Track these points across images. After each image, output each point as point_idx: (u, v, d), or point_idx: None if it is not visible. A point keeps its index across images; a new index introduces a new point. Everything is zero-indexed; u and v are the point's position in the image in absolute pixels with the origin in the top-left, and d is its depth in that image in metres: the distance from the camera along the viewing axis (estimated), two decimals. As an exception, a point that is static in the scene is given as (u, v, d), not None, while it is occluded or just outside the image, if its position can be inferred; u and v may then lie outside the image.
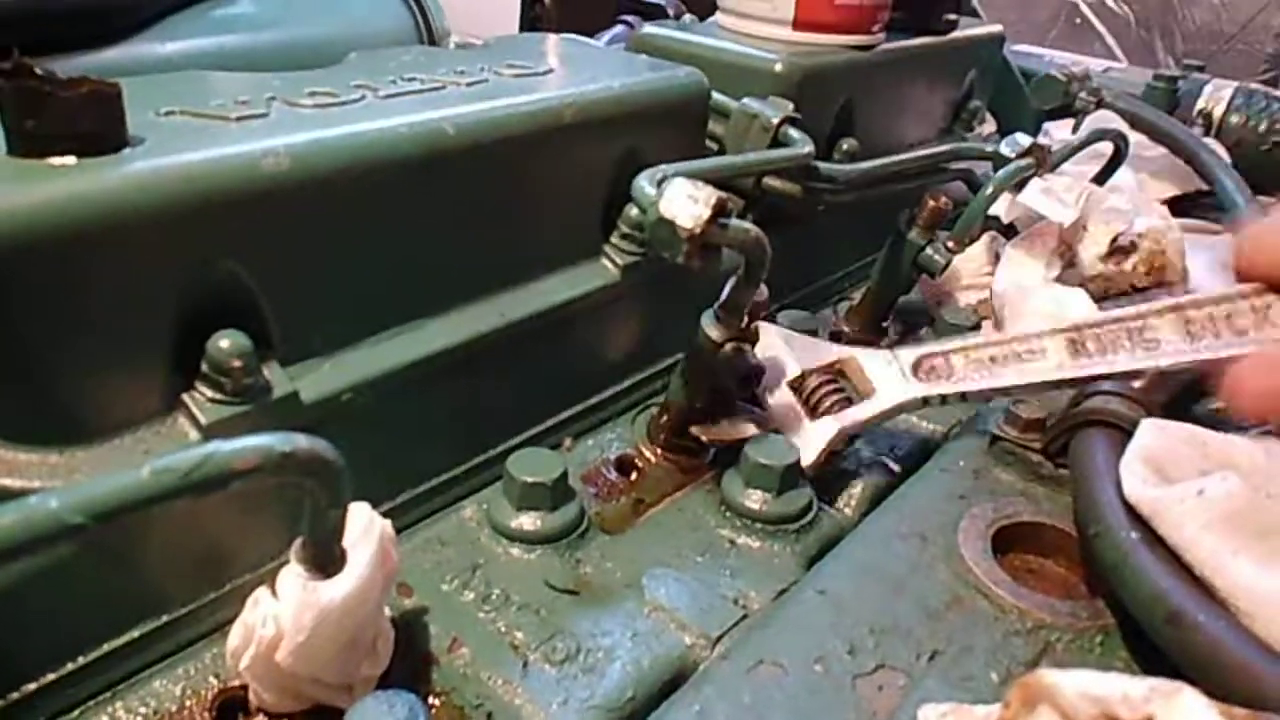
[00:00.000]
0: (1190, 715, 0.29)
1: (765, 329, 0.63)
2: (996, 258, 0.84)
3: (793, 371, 0.63)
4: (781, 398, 0.62)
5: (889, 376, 0.61)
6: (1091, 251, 0.79)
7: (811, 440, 0.60)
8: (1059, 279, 0.78)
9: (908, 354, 0.61)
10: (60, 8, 0.74)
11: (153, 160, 0.41)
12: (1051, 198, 0.79)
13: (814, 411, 0.61)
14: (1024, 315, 0.70)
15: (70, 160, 0.40)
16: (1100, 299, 0.80)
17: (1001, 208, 0.82)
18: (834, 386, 0.62)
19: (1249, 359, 0.48)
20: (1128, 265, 0.80)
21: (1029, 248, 0.81)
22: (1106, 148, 0.99)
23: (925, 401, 0.60)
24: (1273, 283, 0.49)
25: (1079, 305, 0.69)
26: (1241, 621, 0.41)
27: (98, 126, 0.40)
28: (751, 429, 0.61)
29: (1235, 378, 0.46)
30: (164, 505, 0.28)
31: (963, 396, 0.59)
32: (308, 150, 0.46)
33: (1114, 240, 0.80)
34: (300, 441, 0.32)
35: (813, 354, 0.64)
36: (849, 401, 0.61)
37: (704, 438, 0.62)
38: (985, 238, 0.82)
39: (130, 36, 0.80)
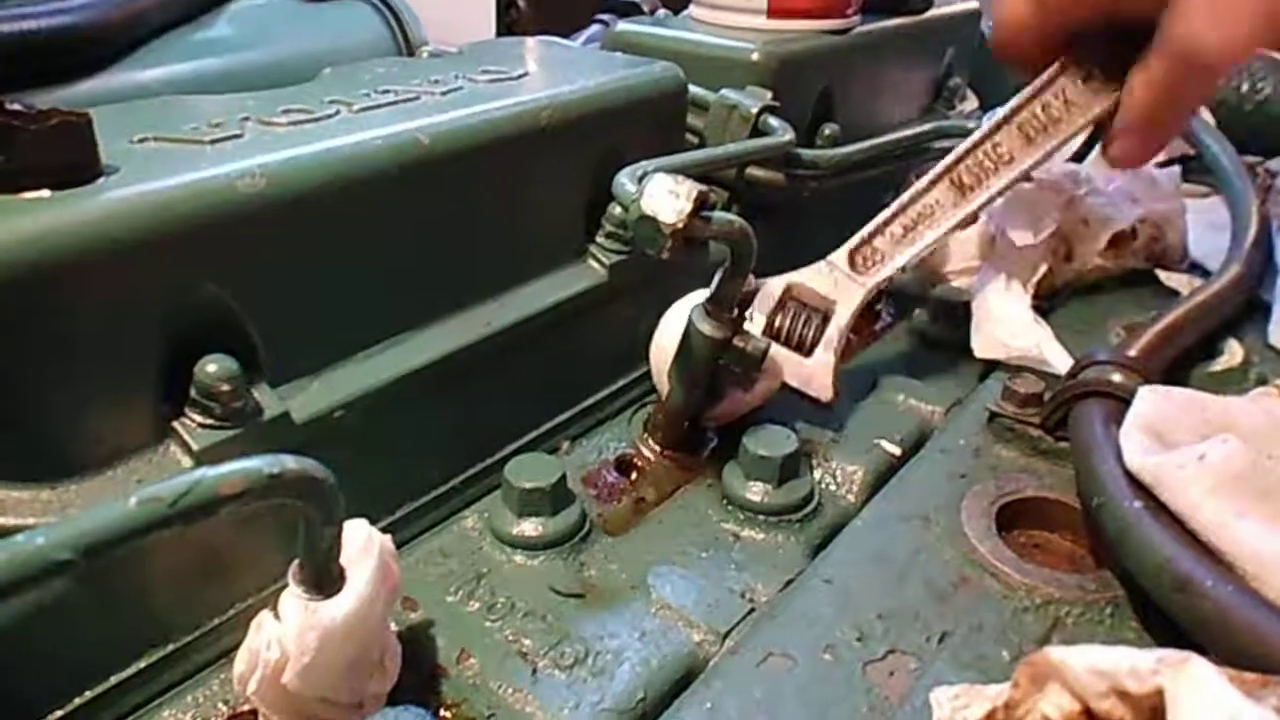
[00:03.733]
0: (1199, 684, 0.29)
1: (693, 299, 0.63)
2: (992, 241, 0.84)
3: (760, 324, 0.64)
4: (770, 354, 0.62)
5: (838, 283, 0.64)
6: (1089, 247, 0.78)
7: (819, 375, 0.62)
8: (1051, 275, 0.77)
9: (839, 255, 0.65)
10: (34, 41, 0.74)
11: (128, 189, 0.41)
12: (1025, 208, 0.78)
13: (802, 349, 0.63)
14: (981, 333, 0.71)
15: (44, 193, 0.39)
16: (1095, 284, 0.80)
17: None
18: (802, 316, 0.64)
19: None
20: (1127, 254, 0.80)
21: (1012, 254, 0.80)
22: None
23: (881, 293, 0.66)
24: (1037, 59, 0.60)
25: (1026, 335, 0.69)
26: (1250, 585, 0.41)
27: (70, 158, 0.40)
28: (757, 395, 0.61)
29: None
30: (154, 535, 0.28)
31: (902, 270, 0.65)
32: (283, 169, 0.45)
33: (1114, 235, 0.79)
34: (288, 463, 0.31)
35: (764, 299, 0.65)
36: (823, 320, 0.64)
37: (711, 424, 0.61)
38: (979, 223, 0.81)
39: (107, 66, 0.80)
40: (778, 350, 0.62)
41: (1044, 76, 0.61)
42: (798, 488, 0.57)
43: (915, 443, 0.63)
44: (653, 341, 0.62)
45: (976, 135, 0.64)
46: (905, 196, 0.65)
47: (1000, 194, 0.64)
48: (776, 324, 0.64)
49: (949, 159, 0.64)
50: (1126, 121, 0.59)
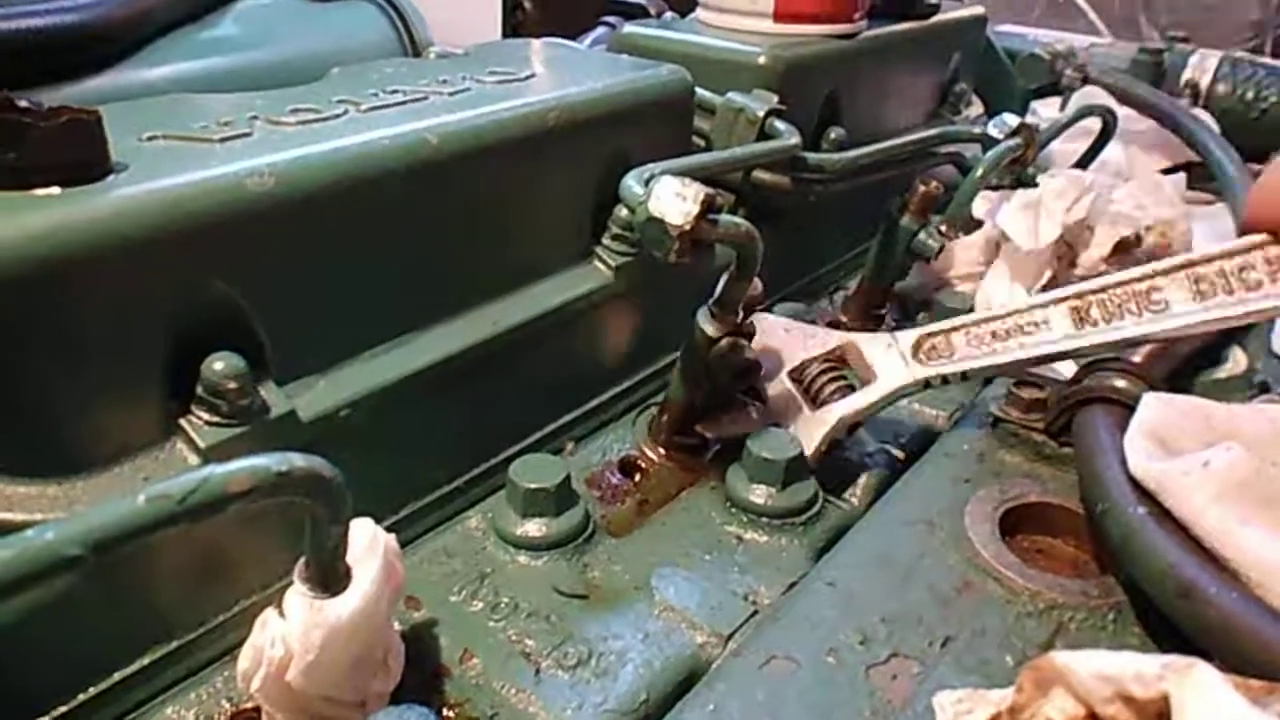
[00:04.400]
0: (1205, 690, 0.29)
1: (763, 320, 0.63)
2: (996, 247, 0.84)
3: (792, 361, 0.63)
4: (781, 388, 0.62)
5: (889, 360, 0.60)
6: (1094, 254, 0.78)
7: (813, 430, 0.60)
8: (1055, 280, 0.77)
9: (907, 336, 0.60)
10: (43, 39, 0.74)
11: (137, 186, 0.41)
12: (1030, 213, 0.78)
13: (814, 401, 0.61)
14: None
15: (54, 190, 0.40)
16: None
17: (982, 209, 0.81)
18: (834, 374, 0.62)
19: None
20: (1131, 261, 0.80)
21: (1017, 259, 0.80)
22: (1095, 123, 0.98)
23: (928, 384, 0.59)
24: None
25: None
26: (1254, 592, 0.41)
27: (80, 155, 0.40)
28: (753, 422, 0.61)
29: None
30: (162, 532, 0.28)
31: (964, 376, 0.58)
32: (292, 168, 0.46)
33: (1118, 241, 0.79)
34: (296, 461, 0.31)
35: (812, 342, 0.63)
36: (850, 389, 0.61)
37: (707, 434, 0.61)
38: (984, 228, 0.81)
39: (115, 64, 0.80)
40: (790, 393, 0.62)
41: (1256, 238, 0.49)
42: (802, 491, 0.57)
43: (919, 447, 0.63)
44: None
45: (1124, 274, 0.53)
46: (1015, 304, 0.57)
47: (1129, 342, 0.54)
48: (807, 371, 0.62)
49: (1085, 286, 0.54)
50: None
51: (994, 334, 0.57)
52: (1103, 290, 0.53)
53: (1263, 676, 0.30)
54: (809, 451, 0.58)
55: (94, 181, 0.41)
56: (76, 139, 0.40)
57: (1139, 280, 0.52)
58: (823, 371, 0.62)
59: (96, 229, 0.39)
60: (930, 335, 0.59)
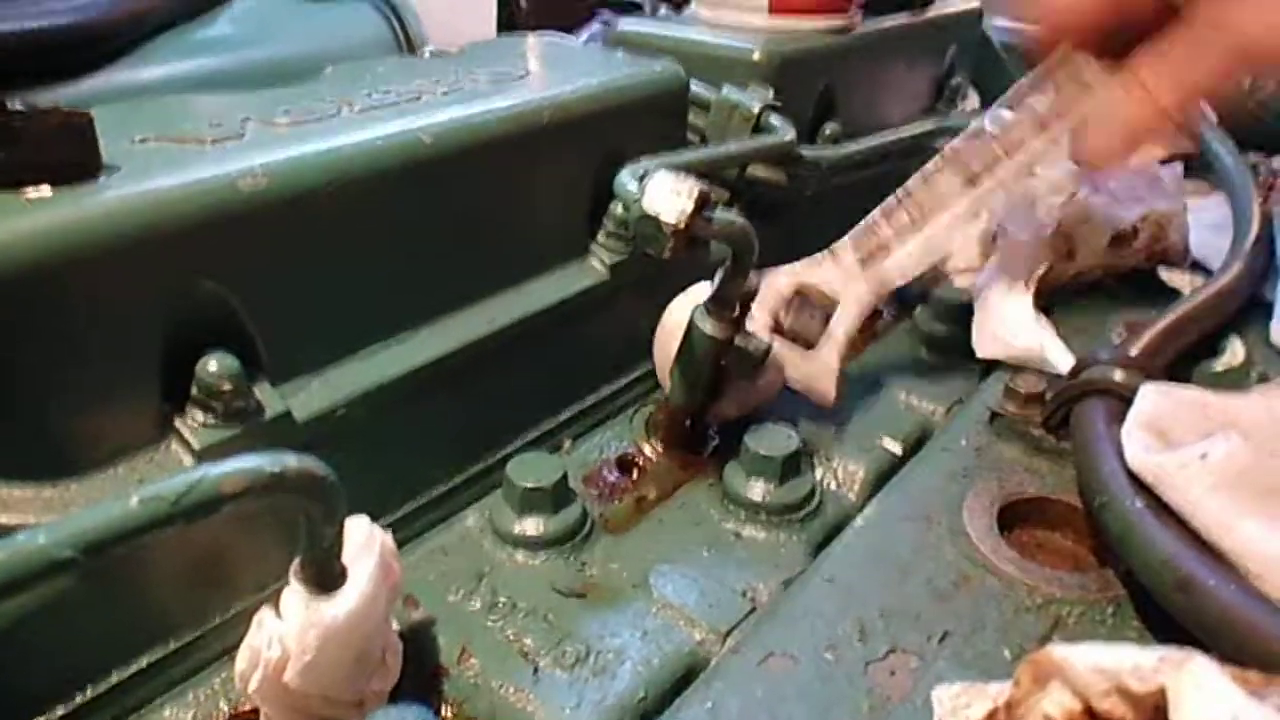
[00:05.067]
0: (1202, 682, 0.29)
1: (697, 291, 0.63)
2: (994, 240, 0.84)
3: (764, 320, 0.63)
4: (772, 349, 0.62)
5: (844, 278, 0.63)
6: (1091, 245, 0.78)
7: (821, 375, 0.61)
8: (1052, 273, 0.77)
9: (843, 246, 0.64)
10: (36, 40, 0.74)
11: (128, 187, 0.41)
12: (1027, 206, 0.78)
13: (806, 346, 0.62)
14: (982, 333, 0.70)
15: (45, 191, 0.40)
16: (1096, 283, 0.80)
17: None
18: (806, 313, 0.63)
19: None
20: (1128, 253, 0.79)
21: (1014, 251, 0.80)
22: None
23: (882, 286, 0.63)
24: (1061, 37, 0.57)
25: (1028, 334, 0.69)
26: (1252, 583, 0.41)
27: (71, 156, 0.40)
28: (759, 391, 0.61)
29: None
30: (156, 534, 0.28)
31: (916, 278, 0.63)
32: (285, 168, 0.45)
33: (1115, 234, 0.79)
34: (290, 461, 0.31)
35: (768, 294, 0.64)
36: (826, 319, 0.63)
37: (714, 422, 0.61)
38: (981, 222, 0.81)
39: (109, 64, 0.80)
40: (781, 349, 0.62)
41: (1056, 57, 0.58)
42: (799, 486, 0.57)
43: (917, 442, 0.63)
44: (656, 334, 0.62)
45: (984, 121, 0.62)
46: (910, 183, 0.63)
47: (1009, 182, 0.62)
48: (781, 320, 0.63)
49: (956, 143, 0.63)
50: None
51: (911, 217, 0.63)
52: (970, 143, 0.62)
53: (1261, 668, 0.30)
54: (828, 401, 0.61)
55: (85, 182, 0.41)
56: (68, 140, 0.40)
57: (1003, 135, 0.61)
58: (796, 315, 0.63)
59: (88, 230, 0.39)
60: (861, 237, 0.63)
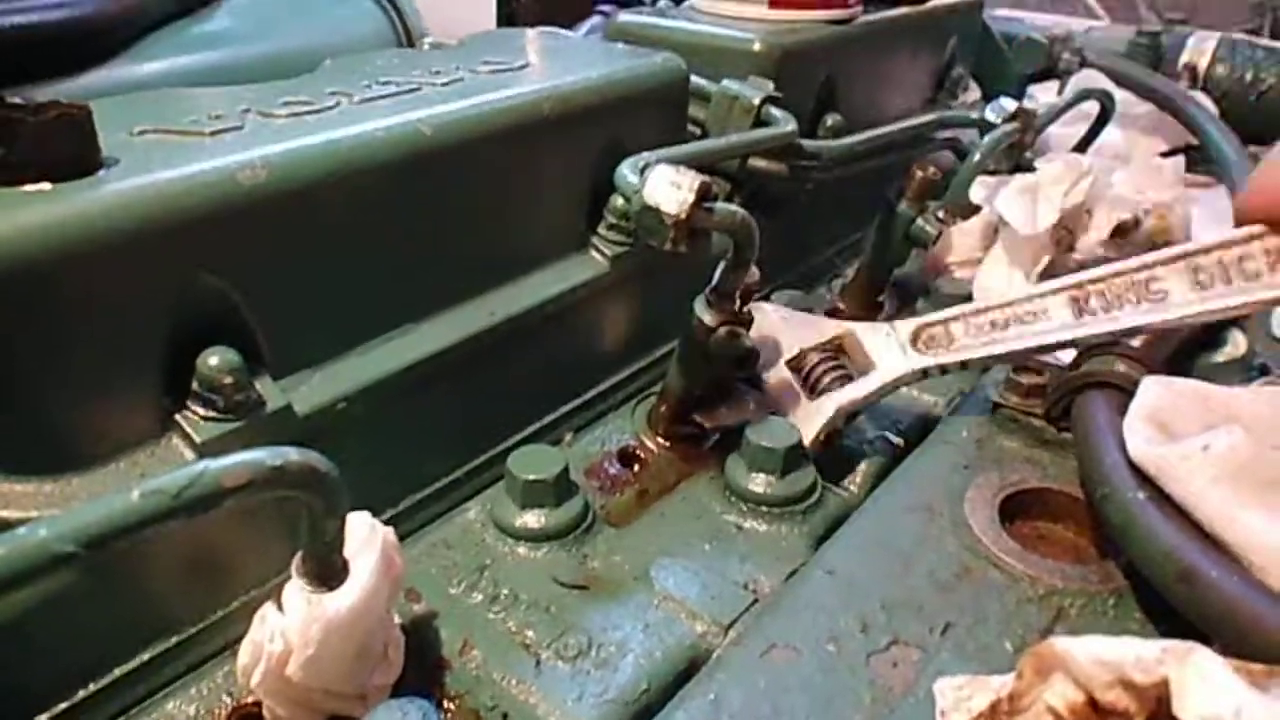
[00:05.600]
0: (1205, 674, 0.29)
1: (761, 309, 0.63)
2: (995, 232, 0.84)
3: (790, 350, 0.62)
4: (780, 377, 0.62)
5: (888, 350, 0.60)
6: (1093, 238, 0.78)
7: (811, 419, 0.60)
8: (1053, 265, 0.77)
9: (905, 325, 0.60)
10: (34, 35, 0.74)
11: (128, 181, 0.41)
12: (1028, 198, 0.78)
13: (813, 390, 0.61)
14: None
15: (44, 186, 0.39)
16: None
17: (979, 194, 0.81)
18: (833, 364, 0.62)
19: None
20: (1129, 245, 0.79)
21: (1015, 244, 0.80)
22: (1093, 107, 0.98)
23: (925, 373, 0.59)
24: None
25: None
26: (1255, 575, 0.41)
27: (70, 150, 0.40)
28: (752, 412, 0.61)
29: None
30: (157, 528, 0.28)
31: (963, 365, 0.58)
32: (284, 161, 0.45)
33: (1117, 225, 0.79)
34: (291, 455, 0.31)
35: (810, 331, 0.63)
36: (848, 378, 0.61)
37: (705, 424, 0.61)
38: (982, 214, 0.81)
39: (108, 60, 0.79)
40: (788, 382, 0.62)
41: (1254, 228, 0.48)
42: (801, 479, 0.57)
43: (918, 434, 0.63)
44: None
45: (1124, 263, 0.53)
46: (1014, 294, 0.56)
47: (1128, 332, 0.53)
48: (806, 359, 0.62)
49: (1084, 276, 0.54)
50: None
51: (993, 323, 0.57)
52: (1102, 280, 0.53)
53: (1263, 660, 0.30)
54: (807, 441, 0.58)
55: (84, 176, 0.40)
56: (66, 134, 0.40)
57: (1138, 270, 0.52)
58: (821, 360, 0.62)
59: (87, 224, 0.39)
60: (928, 325, 0.59)
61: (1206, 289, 0.50)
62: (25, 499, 0.40)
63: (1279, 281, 0.48)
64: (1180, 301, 0.51)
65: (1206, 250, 0.50)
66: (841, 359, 0.62)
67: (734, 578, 0.51)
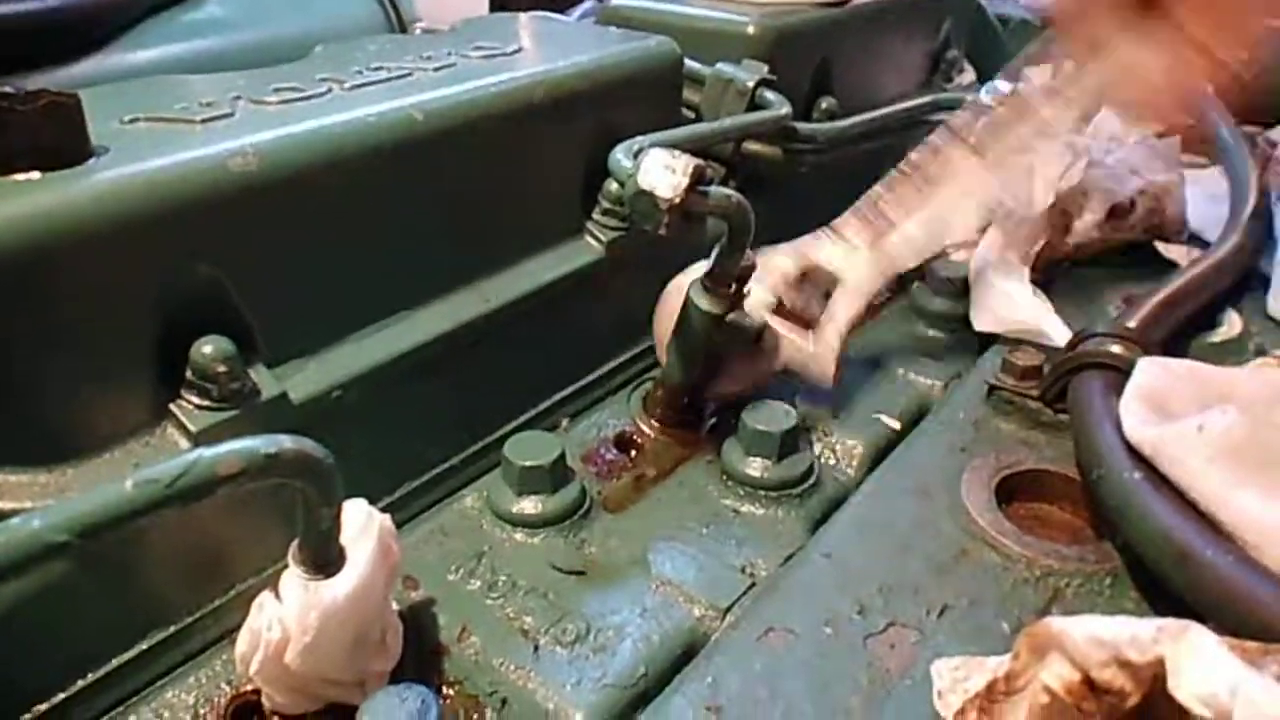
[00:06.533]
0: (1200, 652, 0.29)
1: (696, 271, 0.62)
2: (990, 214, 0.83)
3: (767, 299, 0.62)
4: (771, 331, 0.62)
5: (846, 256, 0.62)
6: (1088, 219, 0.78)
7: (824, 356, 0.60)
8: (1049, 247, 0.77)
9: (846, 224, 0.62)
10: (25, 23, 0.73)
11: (117, 170, 0.41)
12: (1025, 180, 0.78)
13: (806, 325, 0.62)
14: (980, 307, 0.70)
15: (34, 175, 0.39)
16: (1094, 257, 0.79)
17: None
18: (809, 292, 0.62)
19: None
20: (1125, 226, 0.79)
21: (1009, 228, 0.80)
22: (1088, 88, 0.97)
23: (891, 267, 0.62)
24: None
25: (1025, 308, 0.69)
26: (1249, 554, 0.41)
27: (59, 139, 0.40)
28: (758, 372, 0.60)
29: None
30: (152, 517, 0.28)
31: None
32: (275, 148, 0.45)
33: (1112, 207, 0.79)
34: (285, 443, 0.31)
35: (774, 271, 0.63)
36: (827, 297, 0.62)
37: (712, 401, 0.61)
38: (978, 196, 0.81)
39: (99, 48, 0.79)
40: (780, 328, 0.62)
41: (1069, 19, 0.58)
42: (797, 463, 0.57)
43: (915, 417, 0.63)
44: (656, 311, 0.61)
45: (993, 94, 0.61)
46: (915, 155, 0.62)
47: (1021, 149, 0.61)
48: (785, 299, 0.62)
49: (960, 114, 0.62)
50: None
51: (916, 189, 0.62)
52: (978, 115, 0.62)
53: (1258, 638, 0.30)
54: (827, 384, 0.60)
55: (74, 165, 0.40)
56: (56, 123, 0.40)
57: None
58: (799, 294, 0.62)
59: (77, 213, 0.39)
60: (864, 213, 0.62)
61: (1061, 91, 0.60)
62: (20, 490, 0.40)
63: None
64: (1043, 109, 0.61)
65: (1044, 56, 0.61)
66: (813, 287, 0.63)
67: (731, 561, 0.51)
